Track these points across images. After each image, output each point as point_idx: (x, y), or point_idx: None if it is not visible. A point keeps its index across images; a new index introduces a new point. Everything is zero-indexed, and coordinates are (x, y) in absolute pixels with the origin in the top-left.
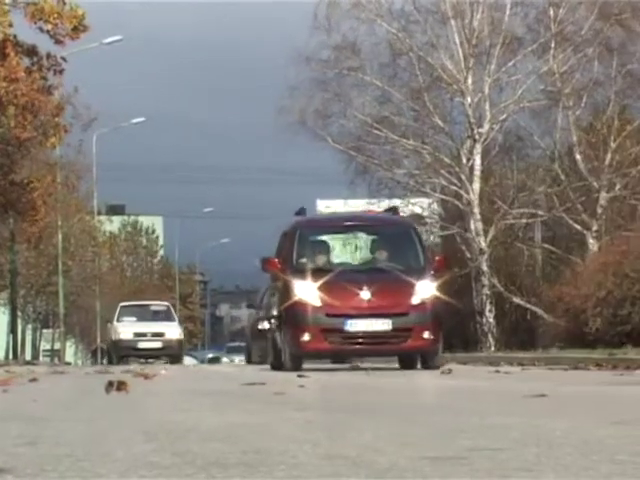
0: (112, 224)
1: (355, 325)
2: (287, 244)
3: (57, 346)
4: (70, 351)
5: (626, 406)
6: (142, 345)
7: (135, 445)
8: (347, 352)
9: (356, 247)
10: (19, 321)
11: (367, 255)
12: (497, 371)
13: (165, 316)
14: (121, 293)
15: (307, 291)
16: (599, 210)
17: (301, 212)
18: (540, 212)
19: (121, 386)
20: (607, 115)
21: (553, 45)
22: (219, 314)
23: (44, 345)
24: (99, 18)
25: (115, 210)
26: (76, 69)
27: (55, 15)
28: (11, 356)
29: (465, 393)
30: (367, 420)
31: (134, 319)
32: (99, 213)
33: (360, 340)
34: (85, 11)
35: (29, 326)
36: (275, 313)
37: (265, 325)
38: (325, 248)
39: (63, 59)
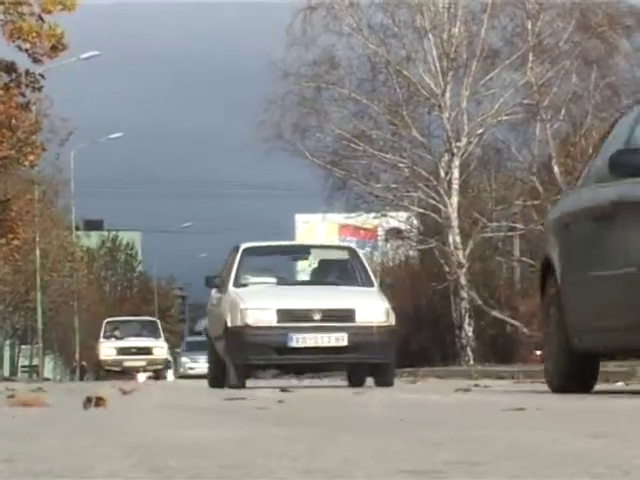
0: (90, 239)
1: None
2: None
3: (36, 362)
4: (49, 367)
5: (605, 419)
6: (303, 341)
7: (114, 461)
8: None
9: None
10: None
11: None
12: (476, 385)
13: (345, 272)
14: (100, 309)
15: None
16: None
17: None
18: (518, 225)
19: (99, 402)
20: (585, 128)
21: (531, 58)
22: (198, 329)
23: (22, 361)
24: (75, 32)
25: (93, 225)
26: (53, 84)
27: (34, 34)
28: None
29: (443, 407)
30: (346, 434)
31: (273, 280)
32: (77, 228)
33: None
34: (64, 30)
35: (7, 342)
36: None
37: None
38: None
39: (41, 76)
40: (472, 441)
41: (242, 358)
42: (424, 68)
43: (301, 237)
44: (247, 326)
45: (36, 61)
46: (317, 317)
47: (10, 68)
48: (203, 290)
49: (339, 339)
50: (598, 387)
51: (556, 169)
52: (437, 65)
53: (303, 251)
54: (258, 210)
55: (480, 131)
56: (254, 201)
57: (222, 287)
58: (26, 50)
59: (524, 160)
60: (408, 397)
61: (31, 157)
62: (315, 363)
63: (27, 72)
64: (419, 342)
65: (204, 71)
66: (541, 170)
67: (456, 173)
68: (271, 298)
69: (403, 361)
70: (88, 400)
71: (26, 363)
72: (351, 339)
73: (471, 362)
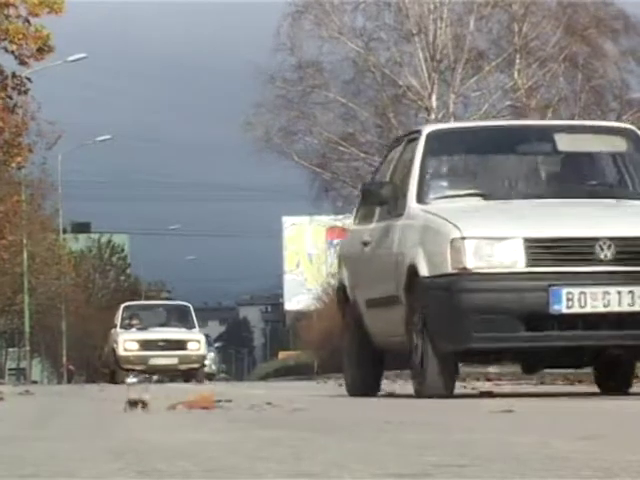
0: (78, 242)
1: None
2: None
3: (23, 365)
4: (36, 370)
5: (593, 421)
6: (582, 301)
7: (101, 464)
8: None
9: None
10: None
11: None
12: (464, 387)
13: (624, 175)
14: (87, 311)
15: None
16: None
17: None
18: None
19: (143, 405)
20: None
21: (518, 60)
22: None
23: (10, 364)
24: (63, 34)
25: (80, 228)
26: (41, 86)
27: (20, 36)
28: None
29: (431, 409)
30: (333, 437)
31: (485, 192)
32: (64, 231)
33: None
34: (50, 32)
35: None
36: None
37: None
38: None
39: (28, 79)
40: (459, 444)
41: (456, 339)
42: (410, 71)
43: (289, 239)
44: (466, 273)
45: (22, 63)
46: (606, 255)
47: None
48: (190, 293)
49: None
50: (586, 390)
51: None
52: (424, 68)
53: (540, 138)
54: (246, 212)
55: None
56: (242, 203)
57: (391, 205)
58: (12, 52)
59: None
60: (394, 399)
61: (18, 158)
62: (602, 346)
63: (13, 74)
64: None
65: (194, 75)
66: None
67: None
68: (509, 220)
69: (390, 363)
70: (132, 403)
71: (13, 366)
72: None
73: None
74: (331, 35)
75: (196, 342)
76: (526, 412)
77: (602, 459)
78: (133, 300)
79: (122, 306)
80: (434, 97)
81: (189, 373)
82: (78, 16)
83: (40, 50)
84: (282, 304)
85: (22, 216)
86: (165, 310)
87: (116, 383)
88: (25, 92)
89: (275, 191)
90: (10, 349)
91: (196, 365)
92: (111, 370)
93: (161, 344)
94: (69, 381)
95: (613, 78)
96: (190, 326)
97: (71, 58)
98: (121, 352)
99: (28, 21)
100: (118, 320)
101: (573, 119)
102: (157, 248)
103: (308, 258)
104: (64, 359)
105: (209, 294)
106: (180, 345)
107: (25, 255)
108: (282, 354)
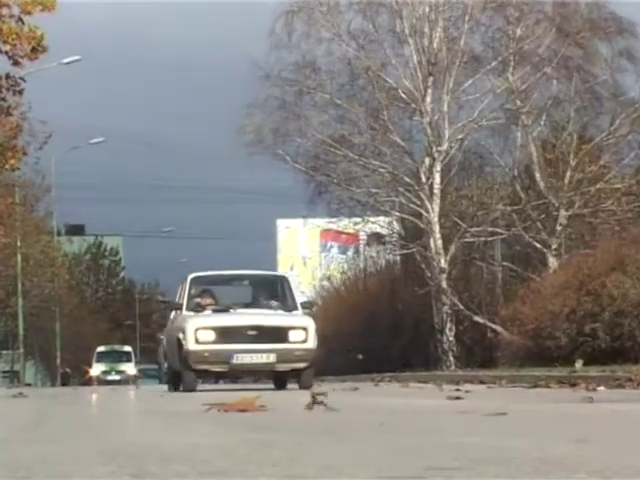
0: (72, 245)
1: None
2: None
3: (17, 367)
4: (30, 372)
5: (585, 424)
6: None
7: (94, 467)
8: None
9: None
10: None
11: None
12: (458, 389)
13: None
14: (81, 314)
15: None
16: (558, 228)
17: None
18: (499, 230)
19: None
20: (566, 133)
21: (512, 63)
22: None
23: (3, 366)
24: (59, 36)
25: (74, 230)
26: (35, 88)
27: (14, 36)
28: None
29: (425, 412)
30: (327, 440)
31: None
32: (58, 233)
33: None
34: (44, 32)
35: None
36: None
37: None
38: None
39: (22, 80)
40: (453, 446)
41: None
42: (404, 73)
43: (283, 242)
44: None
45: (16, 63)
46: None
47: None
48: None
49: None
50: (578, 392)
51: (537, 174)
52: (417, 70)
53: None
54: (240, 215)
55: (461, 136)
56: (236, 206)
57: None
58: (6, 52)
59: (505, 165)
60: (388, 402)
61: (12, 161)
62: None
63: (7, 75)
64: (400, 347)
65: (188, 76)
66: (522, 175)
67: (437, 178)
68: None
69: (384, 366)
70: (314, 399)
71: (7, 368)
72: None
73: (452, 367)
74: (325, 37)
75: (301, 330)
76: (520, 415)
77: (595, 462)
78: (128, 303)
79: (189, 277)
80: (428, 99)
81: (289, 375)
82: (73, 17)
83: (34, 50)
84: None
85: (16, 218)
86: (252, 283)
87: (178, 390)
88: (20, 92)
89: (269, 194)
90: (4, 351)
91: (302, 364)
92: (174, 371)
93: (251, 333)
94: (64, 384)
95: (607, 80)
96: (290, 307)
97: (65, 60)
98: (191, 346)
99: (21, 20)
100: (184, 298)
101: (568, 122)
102: (151, 250)
103: (302, 261)
104: (58, 361)
105: None
106: (279, 335)
107: (19, 257)
108: None
